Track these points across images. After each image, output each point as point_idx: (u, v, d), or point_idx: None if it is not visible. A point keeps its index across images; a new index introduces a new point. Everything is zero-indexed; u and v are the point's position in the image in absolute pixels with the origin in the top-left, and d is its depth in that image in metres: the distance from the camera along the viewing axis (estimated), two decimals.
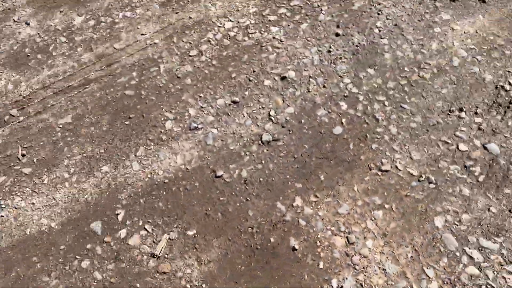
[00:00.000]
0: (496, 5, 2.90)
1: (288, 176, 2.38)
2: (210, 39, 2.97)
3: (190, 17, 3.07)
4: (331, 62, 2.76)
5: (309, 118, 2.56)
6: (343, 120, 2.53)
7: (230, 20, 3.03)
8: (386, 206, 2.24)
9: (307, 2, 3.06)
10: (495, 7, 2.89)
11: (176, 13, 3.11)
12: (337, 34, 2.87)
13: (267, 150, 2.48)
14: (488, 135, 2.39)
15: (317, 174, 2.37)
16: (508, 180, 2.24)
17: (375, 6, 2.97)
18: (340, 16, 2.96)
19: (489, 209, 2.17)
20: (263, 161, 2.44)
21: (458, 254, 2.07)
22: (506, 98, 2.50)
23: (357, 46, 2.81)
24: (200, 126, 2.59)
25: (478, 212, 2.17)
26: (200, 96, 2.71)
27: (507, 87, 2.54)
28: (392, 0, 2.98)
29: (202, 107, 2.67)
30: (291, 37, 2.90)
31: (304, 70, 2.75)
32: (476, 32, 2.78)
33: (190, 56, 2.89)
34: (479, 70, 2.62)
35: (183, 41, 2.97)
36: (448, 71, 2.64)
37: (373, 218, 2.21)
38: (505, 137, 2.38)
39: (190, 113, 2.65)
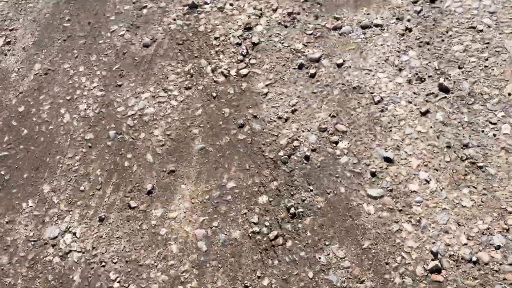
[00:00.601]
0: (186, 166, 2.88)
1: None
2: None
3: None
4: None
5: None
6: None
7: None
8: None
9: None
10: (187, 168, 2.87)
11: None
12: None
13: None
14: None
15: None
16: None
17: None
18: None
19: None
20: None
21: None
22: (264, 239, 2.47)
23: None
24: None
25: None
26: None
27: (256, 229, 2.51)
28: (112, 249, 2.64)
29: None
30: None
31: None
32: (192, 203, 2.70)
33: None
34: (226, 235, 2.53)
35: None
36: (205, 260, 2.45)
37: None
38: (295, 274, 2.32)
39: None
